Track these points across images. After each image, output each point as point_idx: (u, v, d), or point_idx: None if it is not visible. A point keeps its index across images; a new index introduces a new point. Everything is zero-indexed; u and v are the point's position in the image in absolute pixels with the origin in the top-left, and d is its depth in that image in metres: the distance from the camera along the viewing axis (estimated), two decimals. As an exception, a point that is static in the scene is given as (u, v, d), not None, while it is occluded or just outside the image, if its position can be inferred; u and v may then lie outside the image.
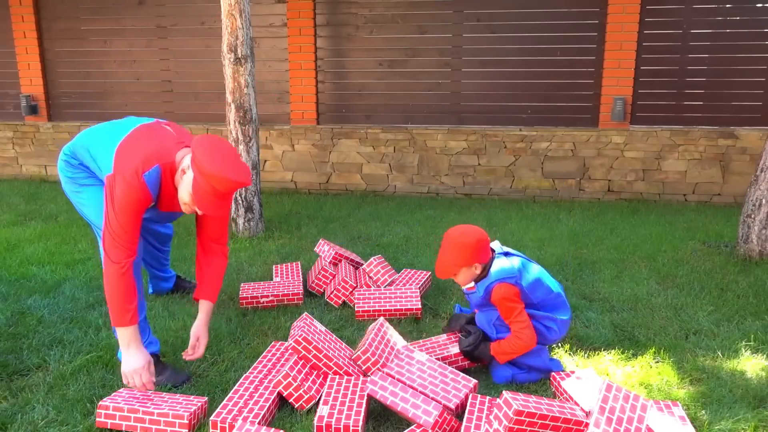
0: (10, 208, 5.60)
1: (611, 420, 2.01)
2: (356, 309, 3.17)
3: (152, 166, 2.26)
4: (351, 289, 3.35)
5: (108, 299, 2.28)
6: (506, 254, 2.57)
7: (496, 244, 2.62)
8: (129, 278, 2.27)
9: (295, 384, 2.27)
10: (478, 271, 2.51)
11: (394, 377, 2.29)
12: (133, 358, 2.31)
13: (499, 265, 2.49)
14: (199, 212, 2.28)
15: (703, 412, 2.31)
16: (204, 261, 2.60)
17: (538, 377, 2.55)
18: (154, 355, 2.56)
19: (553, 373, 2.47)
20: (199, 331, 2.56)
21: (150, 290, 3.47)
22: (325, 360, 2.41)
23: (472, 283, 2.55)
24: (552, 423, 2.02)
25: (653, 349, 2.80)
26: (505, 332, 2.53)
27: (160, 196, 2.36)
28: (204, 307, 2.61)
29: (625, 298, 3.46)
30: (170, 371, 2.53)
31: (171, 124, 2.54)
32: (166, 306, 3.30)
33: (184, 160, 2.29)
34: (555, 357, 2.76)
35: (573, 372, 2.47)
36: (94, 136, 2.50)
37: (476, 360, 2.59)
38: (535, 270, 2.56)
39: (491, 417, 2.06)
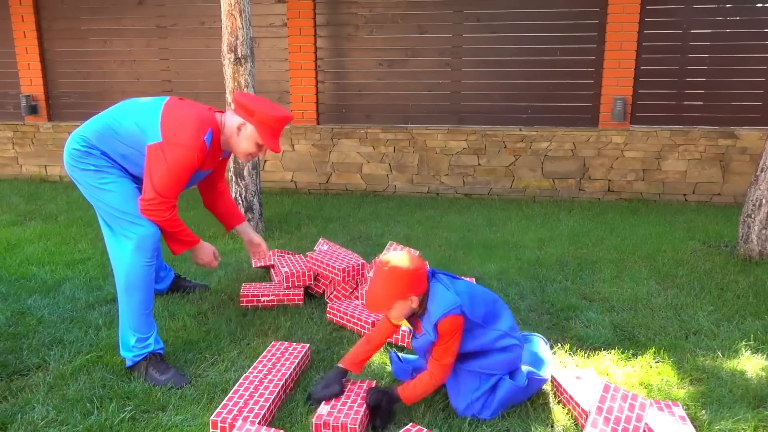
0: (10, 208, 5.61)
1: (609, 420, 2.01)
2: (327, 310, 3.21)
3: (208, 129, 2.49)
4: (351, 290, 3.35)
5: (174, 232, 2.60)
6: (432, 274, 2.30)
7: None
8: (177, 218, 2.57)
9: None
10: (414, 305, 2.22)
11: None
12: (203, 251, 2.82)
13: (437, 295, 2.22)
14: (262, 154, 2.65)
15: (703, 412, 2.31)
16: (220, 202, 3.01)
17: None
18: (158, 353, 2.58)
19: (552, 374, 2.47)
20: (249, 239, 3.11)
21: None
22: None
23: (417, 323, 2.29)
24: None
25: (653, 349, 2.80)
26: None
27: (206, 156, 2.58)
28: (243, 228, 3.11)
29: (625, 298, 3.46)
30: (173, 372, 2.53)
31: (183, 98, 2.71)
32: (166, 306, 3.30)
33: (232, 119, 2.59)
34: (555, 357, 2.76)
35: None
36: (119, 114, 2.55)
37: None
38: (464, 285, 2.32)
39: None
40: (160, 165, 2.43)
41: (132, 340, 2.55)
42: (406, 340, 2.83)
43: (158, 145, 2.44)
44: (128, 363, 2.58)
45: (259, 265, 3.76)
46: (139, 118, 2.50)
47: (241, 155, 2.63)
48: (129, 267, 2.51)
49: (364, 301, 3.10)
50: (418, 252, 3.60)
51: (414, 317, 2.30)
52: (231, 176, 4.72)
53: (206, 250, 2.80)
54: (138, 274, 2.52)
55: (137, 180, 2.65)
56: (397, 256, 2.21)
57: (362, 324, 2.96)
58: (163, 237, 2.62)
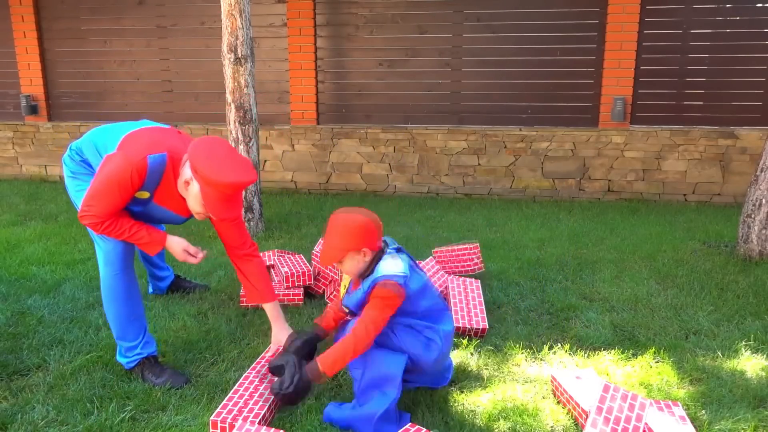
0: (10, 208, 5.61)
1: (609, 420, 2.01)
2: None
3: (161, 151, 2.24)
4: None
5: (138, 242, 2.40)
6: (398, 250, 2.30)
7: (388, 239, 2.34)
8: (116, 228, 2.33)
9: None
10: (367, 259, 2.21)
11: None
12: (171, 248, 2.47)
13: (390, 262, 2.19)
14: (215, 218, 2.32)
15: (703, 412, 2.31)
16: (240, 268, 2.61)
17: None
18: (151, 356, 2.57)
19: (553, 374, 2.47)
20: (278, 337, 2.62)
21: (149, 290, 3.48)
22: None
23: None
24: None
25: (653, 349, 2.80)
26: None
27: (158, 187, 2.33)
28: (269, 311, 2.64)
29: (625, 298, 3.46)
30: (169, 373, 2.53)
31: (183, 133, 2.53)
32: (166, 306, 3.30)
33: (186, 169, 2.26)
34: (555, 357, 2.76)
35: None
36: (104, 132, 2.49)
37: (298, 396, 2.18)
38: (423, 276, 2.30)
39: None
40: (97, 175, 2.27)
41: (122, 348, 2.55)
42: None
43: (109, 154, 2.28)
44: (126, 366, 2.58)
45: None
46: (109, 139, 2.40)
47: (193, 213, 2.37)
48: (102, 278, 2.49)
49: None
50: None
51: (361, 276, 2.26)
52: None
53: (173, 248, 2.47)
54: (110, 285, 2.47)
55: None
56: (351, 210, 2.25)
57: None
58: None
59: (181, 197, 2.36)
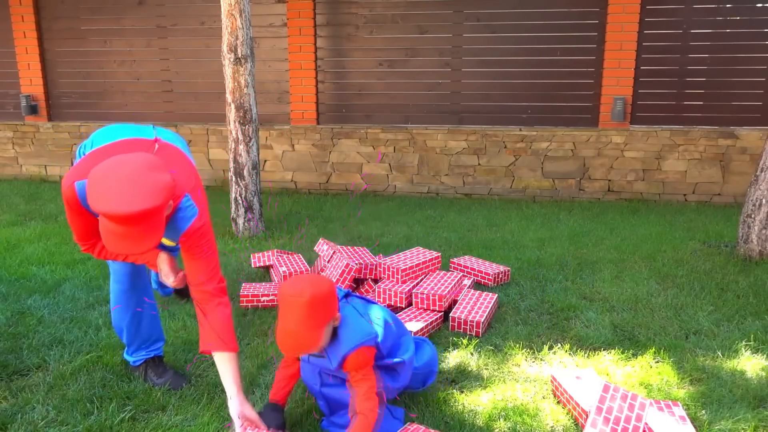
0: (10, 208, 5.60)
1: (609, 420, 2.01)
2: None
3: (82, 179, 2.02)
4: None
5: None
6: (345, 297, 2.12)
7: None
8: (102, 254, 2.24)
9: None
10: (337, 322, 2.00)
11: None
12: (160, 260, 2.27)
13: (350, 322, 1.99)
14: (131, 256, 2.22)
15: (703, 412, 2.31)
16: (202, 309, 2.15)
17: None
18: (157, 356, 2.57)
19: (553, 374, 2.47)
20: (246, 412, 2.10)
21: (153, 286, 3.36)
22: None
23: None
24: None
25: (653, 349, 2.80)
26: (337, 385, 2.14)
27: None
28: (228, 369, 2.13)
29: (625, 298, 3.46)
30: (171, 374, 2.53)
31: (166, 148, 2.20)
32: (166, 306, 3.30)
33: None
34: (555, 357, 2.76)
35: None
36: (104, 134, 2.31)
37: None
38: (377, 312, 2.14)
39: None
40: None
41: (129, 348, 2.56)
42: None
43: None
44: (131, 363, 2.58)
45: (258, 265, 3.76)
46: (104, 139, 2.22)
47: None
48: (111, 289, 2.48)
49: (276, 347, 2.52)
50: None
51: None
52: (231, 176, 4.72)
53: (159, 263, 2.27)
54: (118, 299, 2.45)
55: None
56: (298, 282, 1.91)
57: None
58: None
59: None
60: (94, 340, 2.88)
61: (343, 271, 3.21)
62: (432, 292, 3.10)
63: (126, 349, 2.57)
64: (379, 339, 2.03)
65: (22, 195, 6.20)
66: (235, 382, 2.11)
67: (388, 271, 3.28)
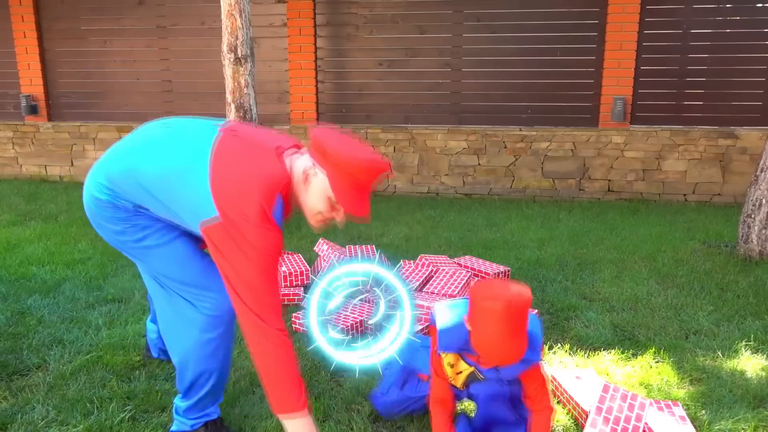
0: (10, 208, 5.60)
1: (609, 420, 2.01)
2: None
3: (275, 198, 1.71)
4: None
5: (272, 381, 1.76)
6: None
7: None
8: (290, 348, 1.77)
9: None
10: None
11: None
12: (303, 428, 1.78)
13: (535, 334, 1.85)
14: (339, 218, 1.80)
15: (703, 412, 2.31)
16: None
17: None
18: (218, 420, 2.10)
19: (553, 374, 2.47)
20: None
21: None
22: None
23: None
24: None
25: (653, 349, 2.80)
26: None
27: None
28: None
29: (625, 298, 3.46)
30: None
31: (238, 125, 1.90)
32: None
33: (301, 162, 1.80)
34: (555, 357, 2.76)
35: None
36: (148, 155, 1.80)
37: None
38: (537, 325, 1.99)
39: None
40: (236, 260, 1.69)
41: (183, 407, 2.05)
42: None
43: (219, 226, 1.69)
44: (178, 429, 2.06)
45: None
46: (180, 175, 1.74)
47: (310, 216, 1.81)
48: (185, 346, 1.92)
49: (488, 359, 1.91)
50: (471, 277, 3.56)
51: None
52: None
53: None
54: (197, 357, 1.92)
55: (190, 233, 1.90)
56: (513, 291, 1.72)
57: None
58: (262, 374, 1.79)
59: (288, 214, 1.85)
60: (94, 340, 2.87)
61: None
62: (442, 292, 3.14)
63: (175, 407, 2.08)
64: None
65: (22, 195, 6.20)
66: None
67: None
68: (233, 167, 1.71)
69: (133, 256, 1.91)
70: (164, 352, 2.48)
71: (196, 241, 1.92)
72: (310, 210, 1.80)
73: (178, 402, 2.05)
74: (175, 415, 2.08)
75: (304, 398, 1.77)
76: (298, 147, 1.88)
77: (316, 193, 1.76)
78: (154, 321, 2.47)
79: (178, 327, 1.91)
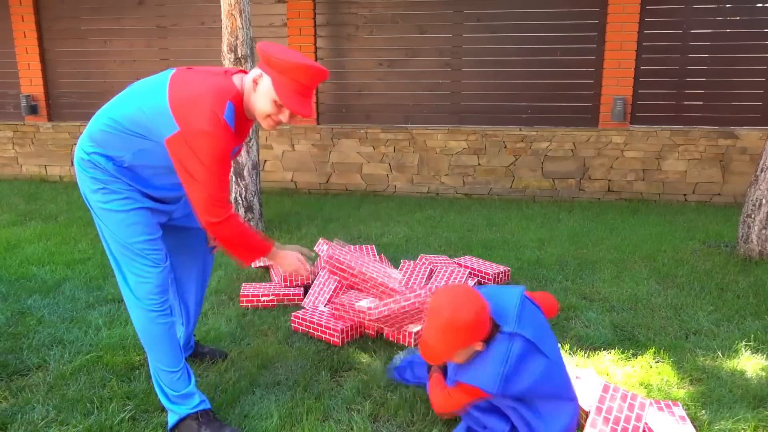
0: (10, 208, 5.61)
1: (609, 420, 2.01)
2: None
3: (225, 104, 1.98)
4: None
5: (239, 243, 2.10)
6: (510, 336, 1.92)
7: (508, 313, 1.97)
8: (240, 224, 2.08)
9: None
10: (478, 349, 1.93)
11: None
12: (287, 259, 2.27)
13: (489, 364, 1.91)
14: (285, 119, 2.06)
15: (703, 412, 2.31)
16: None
17: None
18: (209, 411, 2.22)
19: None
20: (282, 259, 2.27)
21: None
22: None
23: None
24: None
25: (653, 349, 2.80)
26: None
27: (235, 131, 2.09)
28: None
29: (625, 298, 3.46)
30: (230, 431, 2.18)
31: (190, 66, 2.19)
32: (166, 306, 3.30)
33: (249, 76, 2.06)
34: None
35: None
36: (122, 103, 2.06)
37: None
38: (540, 363, 1.95)
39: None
40: (191, 160, 1.96)
41: (170, 394, 2.19)
42: (407, 339, 2.84)
43: (178, 135, 1.95)
44: (172, 420, 2.19)
45: (258, 265, 3.76)
46: (144, 103, 2.00)
47: (260, 118, 2.07)
48: (137, 320, 2.16)
49: (418, 348, 2.32)
50: (471, 281, 3.50)
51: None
52: (231, 176, 4.72)
53: (289, 259, 2.28)
54: (148, 329, 2.15)
55: (158, 200, 2.19)
56: (454, 305, 1.87)
57: (330, 333, 2.88)
58: (228, 247, 2.11)
59: (244, 124, 2.12)
60: (94, 340, 2.88)
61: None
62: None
63: (162, 395, 2.22)
64: (499, 392, 1.91)
65: (22, 195, 6.20)
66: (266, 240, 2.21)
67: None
68: (188, 85, 2.00)
69: (97, 216, 2.15)
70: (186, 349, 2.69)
71: (156, 219, 2.19)
72: (259, 112, 2.06)
73: (161, 399, 2.22)
74: (163, 401, 2.22)
75: (267, 241, 2.18)
76: (245, 72, 2.15)
77: (263, 96, 2.03)
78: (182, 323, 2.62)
79: (128, 298, 2.17)
